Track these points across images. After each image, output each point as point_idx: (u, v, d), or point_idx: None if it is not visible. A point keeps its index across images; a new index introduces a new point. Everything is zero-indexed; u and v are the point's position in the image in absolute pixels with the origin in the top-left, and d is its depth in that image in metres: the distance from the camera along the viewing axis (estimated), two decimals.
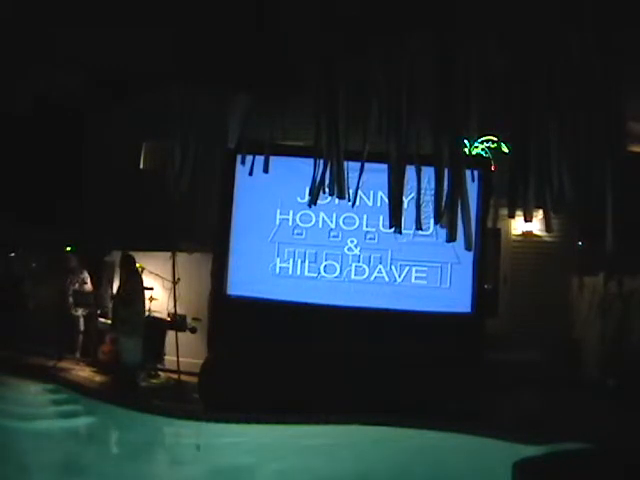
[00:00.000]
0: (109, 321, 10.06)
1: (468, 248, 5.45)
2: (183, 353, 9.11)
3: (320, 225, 8.80)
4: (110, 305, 10.35)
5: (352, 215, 8.64)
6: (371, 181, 6.49)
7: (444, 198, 5.43)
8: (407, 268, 8.68)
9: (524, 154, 5.47)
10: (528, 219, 5.52)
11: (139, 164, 11.22)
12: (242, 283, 8.81)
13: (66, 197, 11.16)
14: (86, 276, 10.82)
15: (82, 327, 10.69)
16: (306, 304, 8.56)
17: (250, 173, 7.19)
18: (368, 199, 8.55)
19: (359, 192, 6.26)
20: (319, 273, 8.76)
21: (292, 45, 7.05)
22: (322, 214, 8.72)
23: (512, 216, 5.81)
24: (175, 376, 9.24)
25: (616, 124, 5.47)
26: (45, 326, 10.69)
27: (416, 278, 8.66)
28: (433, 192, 5.54)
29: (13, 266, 12.14)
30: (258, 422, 7.73)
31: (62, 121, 11.24)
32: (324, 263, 8.76)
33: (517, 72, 5.61)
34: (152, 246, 9.79)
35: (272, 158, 6.87)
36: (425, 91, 5.74)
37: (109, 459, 7.12)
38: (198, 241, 9.80)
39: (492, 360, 8.39)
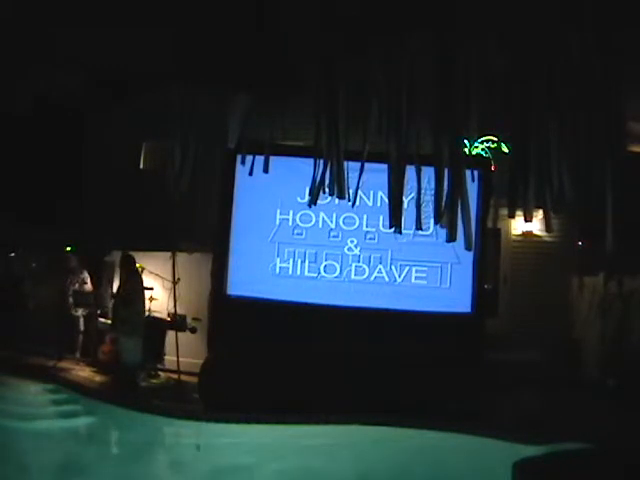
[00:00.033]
0: (109, 321, 10.06)
1: (468, 248, 5.45)
2: (183, 353, 9.11)
3: (320, 225, 8.80)
4: (110, 305, 10.35)
5: (352, 215, 8.64)
6: (371, 181, 6.49)
7: (444, 198, 5.43)
8: (407, 268, 8.68)
9: (524, 154, 5.47)
10: (528, 219, 5.52)
11: (139, 164, 11.22)
12: (242, 283, 8.81)
13: (66, 197, 11.16)
14: (86, 276, 10.82)
15: (82, 327, 10.69)
16: (306, 304, 8.56)
17: (250, 173, 7.19)
18: (368, 199, 8.55)
19: (359, 192, 6.26)
20: (319, 273, 8.76)
21: (292, 45, 7.05)
22: (322, 214, 8.72)
23: (512, 216, 5.81)
24: (175, 376, 9.24)
25: (616, 124, 5.47)
26: (45, 326, 10.69)
27: (416, 278, 8.66)
28: (433, 192, 5.54)
29: (13, 266, 12.14)
30: (258, 422, 7.73)
31: (62, 121, 11.24)
32: (324, 263, 8.76)
33: (517, 72, 5.60)
34: (152, 246, 9.79)
35: (272, 158, 6.87)
36: (425, 91, 5.74)
37: (109, 459, 7.12)
38: (198, 241, 9.80)
39: (492, 360, 8.39)
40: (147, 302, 9.55)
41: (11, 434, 7.03)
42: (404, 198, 5.88)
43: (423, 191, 5.76)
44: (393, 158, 5.78)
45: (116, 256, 10.31)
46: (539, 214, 5.71)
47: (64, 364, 9.89)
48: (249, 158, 7.23)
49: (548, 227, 5.57)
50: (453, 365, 7.98)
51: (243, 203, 8.87)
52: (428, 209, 5.78)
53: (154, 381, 9.56)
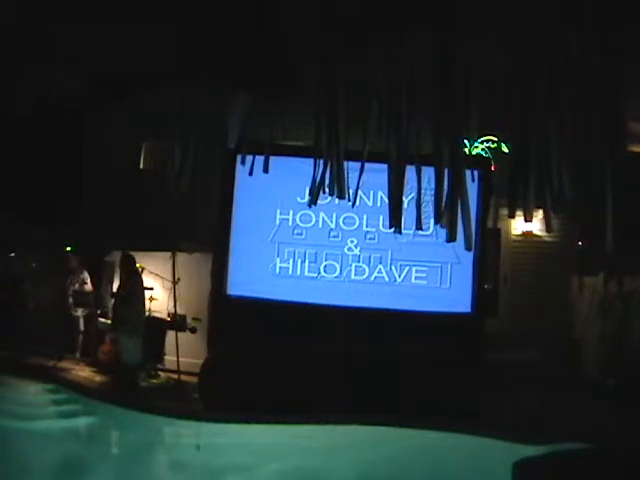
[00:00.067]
0: (109, 321, 10.07)
1: (468, 248, 5.45)
2: (183, 353, 9.11)
3: (320, 225, 8.80)
4: (110, 305, 10.34)
5: (352, 215, 8.64)
6: (371, 181, 6.49)
7: (444, 198, 5.43)
8: (407, 268, 8.68)
9: (524, 154, 5.47)
10: (528, 219, 5.52)
11: (139, 164, 11.22)
12: (242, 283, 8.81)
13: (66, 197, 11.16)
14: (86, 276, 10.82)
15: (82, 327, 10.69)
16: (306, 304, 8.55)
17: (250, 173, 7.18)
18: (368, 199, 8.55)
19: (359, 192, 6.26)
20: (319, 273, 8.76)
21: (292, 45, 7.05)
22: (322, 214, 8.72)
23: (512, 216, 5.81)
24: (175, 376, 9.24)
25: (616, 124, 5.47)
26: (45, 326, 10.70)
27: (416, 278, 8.66)
28: (433, 192, 5.54)
29: (13, 266, 12.15)
30: (258, 422, 7.74)
31: (62, 121, 11.25)
32: (324, 263, 8.76)
33: (517, 72, 5.60)
34: (152, 246, 9.79)
35: (272, 158, 6.87)
36: (425, 91, 5.74)
37: (109, 459, 7.12)
38: (198, 241, 9.80)
39: (492, 360, 8.39)
40: (147, 302, 9.55)
41: (11, 434, 7.04)
42: (404, 198, 5.88)
43: (423, 191, 5.76)
44: (393, 158, 5.78)
45: (116, 256, 10.31)
46: (539, 214, 5.71)
47: (64, 364, 9.89)
48: (249, 158, 7.22)
49: (548, 227, 5.57)
50: (453, 365, 7.98)
51: (243, 203, 8.87)
52: (428, 209, 5.78)
53: (154, 381, 9.56)
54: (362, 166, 6.05)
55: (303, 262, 8.77)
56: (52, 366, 9.70)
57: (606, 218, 5.30)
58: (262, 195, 8.74)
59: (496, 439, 7.15)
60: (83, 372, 9.67)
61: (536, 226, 9.78)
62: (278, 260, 8.79)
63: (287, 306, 8.56)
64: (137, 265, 9.47)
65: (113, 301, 9.90)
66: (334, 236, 8.79)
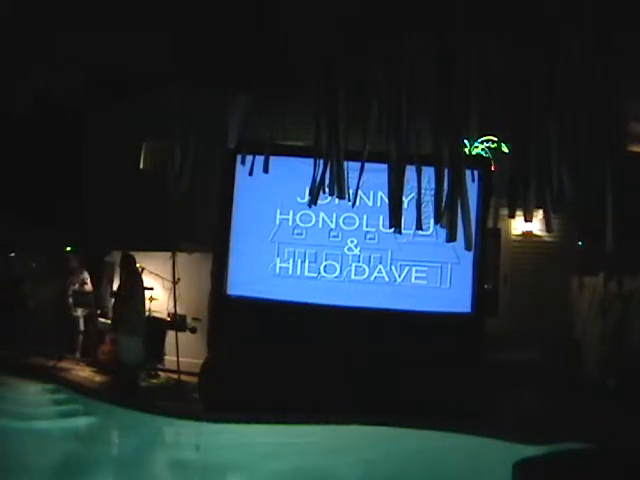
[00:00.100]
0: (109, 321, 10.07)
1: (468, 248, 5.45)
2: (183, 353, 9.11)
3: (320, 225, 8.80)
4: (110, 305, 10.35)
5: (352, 215, 8.64)
6: (371, 181, 6.49)
7: (444, 198, 5.43)
8: (407, 268, 8.67)
9: (524, 154, 5.47)
10: (528, 219, 5.52)
11: (139, 164, 11.22)
12: (242, 283, 8.81)
13: (66, 197, 11.17)
14: (86, 276, 10.82)
15: (82, 327, 10.69)
16: (306, 304, 8.55)
17: (250, 173, 7.19)
18: (368, 199, 8.55)
19: (359, 192, 6.27)
20: (319, 273, 8.76)
21: (292, 45, 7.06)
22: (322, 214, 8.71)
23: (512, 216, 5.82)
24: (175, 376, 9.24)
25: (616, 124, 5.48)
26: (45, 326, 10.70)
27: (416, 278, 8.66)
28: (433, 192, 5.54)
29: (13, 266, 12.15)
30: (258, 422, 7.73)
31: (62, 121, 11.25)
32: (324, 263, 8.76)
33: (517, 72, 5.61)
34: (152, 246, 9.78)
35: (272, 158, 6.87)
36: (425, 91, 5.75)
37: (109, 459, 7.11)
38: (198, 241, 9.80)
39: (492, 360, 8.39)
40: (147, 302, 9.54)
41: (11, 434, 7.03)
42: (404, 198, 5.89)
43: (423, 191, 5.77)
44: (393, 158, 5.78)
45: (116, 256, 10.31)
46: (539, 214, 5.71)
47: (64, 364, 9.89)
48: (249, 158, 7.23)
49: (548, 227, 5.57)
50: (453, 365, 7.98)
51: (243, 203, 8.87)
52: (428, 209, 5.78)
53: (154, 381, 9.56)
54: (362, 166, 6.06)
55: (303, 262, 8.77)
56: (52, 366, 9.70)
57: (606, 218, 5.31)
58: (262, 195, 8.74)
59: (496, 439, 7.15)
60: (83, 372, 9.68)
61: (536, 226, 9.79)
62: (278, 260, 8.79)
63: (287, 306, 8.55)
64: (137, 265, 9.47)
65: (113, 301, 9.90)
66: (334, 236, 8.79)
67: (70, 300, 10.64)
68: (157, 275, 9.83)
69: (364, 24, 6.20)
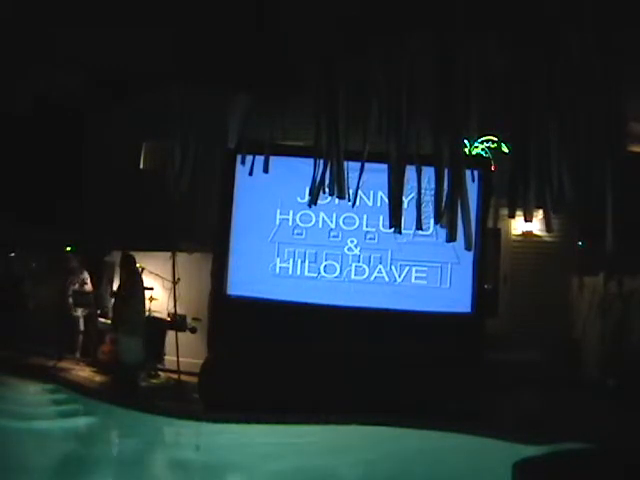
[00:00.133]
0: (109, 321, 10.06)
1: (468, 248, 5.44)
2: (183, 353, 9.11)
3: (320, 225, 8.80)
4: (110, 305, 10.35)
5: (352, 215, 8.64)
6: (371, 181, 6.49)
7: (444, 198, 5.43)
8: (407, 268, 8.67)
9: (524, 154, 5.47)
10: (528, 219, 5.52)
11: (139, 164, 11.22)
12: (242, 283, 8.81)
13: (66, 197, 11.17)
14: (86, 276, 10.82)
15: (82, 327, 10.69)
16: (306, 304, 8.55)
17: (250, 173, 7.19)
18: (368, 199, 8.55)
19: (359, 192, 6.27)
20: (319, 273, 8.76)
21: (292, 45, 7.06)
22: (322, 214, 8.71)
23: (512, 216, 5.82)
24: (175, 376, 9.24)
25: (616, 124, 5.47)
26: (45, 326, 10.70)
27: (416, 278, 8.66)
28: (433, 192, 5.54)
29: (13, 266, 12.15)
30: (258, 422, 7.73)
31: (62, 121, 11.25)
32: (324, 263, 8.76)
33: (517, 72, 5.61)
34: (152, 246, 9.79)
35: (272, 158, 6.87)
36: (425, 91, 5.75)
37: (109, 459, 7.11)
38: (198, 241, 9.80)
39: (492, 360, 8.39)
40: (147, 302, 9.54)
41: (11, 434, 7.03)
42: (404, 198, 5.88)
43: (423, 191, 5.76)
44: (393, 158, 5.78)
45: (116, 256, 10.31)
46: (539, 214, 5.71)
47: (64, 364, 9.89)
48: (249, 158, 7.23)
49: (548, 227, 5.57)
50: (453, 365, 7.98)
51: (243, 203, 8.87)
52: (428, 209, 5.78)
53: (154, 381, 9.56)
54: (362, 166, 6.06)
55: (303, 262, 8.77)
56: (52, 366, 9.70)
57: (606, 218, 5.31)
58: (262, 195, 8.74)
59: (496, 439, 7.15)
60: (83, 372, 9.68)
61: (536, 226, 9.79)
62: (278, 260, 8.79)
63: (287, 306, 8.55)
64: (137, 265, 9.47)
65: (113, 301, 9.90)
66: (334, 236, 8.79)
67: (70, 300, 10.64)
68: (157, 275, 9.83)
69: (364, 24, 6.20)
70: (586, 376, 9.43)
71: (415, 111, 5.74)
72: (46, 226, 10.83)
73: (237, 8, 7.01)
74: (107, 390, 8.84)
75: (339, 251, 8.77)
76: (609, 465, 6.14)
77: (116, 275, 10.51)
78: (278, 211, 8.83)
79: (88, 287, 10.79)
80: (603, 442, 6.63)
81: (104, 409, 8.22)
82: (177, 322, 9.42)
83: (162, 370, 9.79)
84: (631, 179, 5.59)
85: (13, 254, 12.20)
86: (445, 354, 8.04)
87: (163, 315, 9.87)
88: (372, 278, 8.71)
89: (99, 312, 10.67)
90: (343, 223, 8.77)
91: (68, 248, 11.22)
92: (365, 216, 8.71)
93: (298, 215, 8.79)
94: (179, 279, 9.33)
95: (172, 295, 9.34)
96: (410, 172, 5.80)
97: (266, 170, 6.85)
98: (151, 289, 9.80)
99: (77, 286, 10.75)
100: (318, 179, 6.07)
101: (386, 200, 6.05)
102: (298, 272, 8.77)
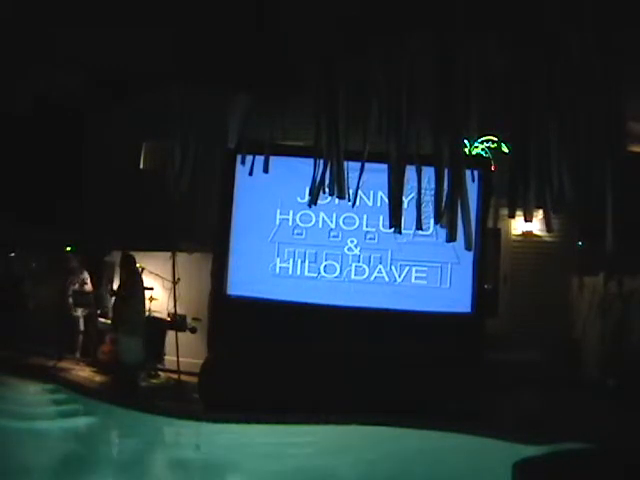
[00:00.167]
0: (109, 321, 10.07)
1: (468, 248, 5.45)
2: (183, 353, 9.11)
3: (320, 225, 8.80)
4: (110, 305, 10.35)
5: (352, 215, 8.64)
6: (371, 181, 6.49)
7: (444, 198, 5.43)
8: (407, 268, 8.67)
9: (524, 154, 5.47)
10: (528, 219, 5.52)
11: (139, 164, 11.22)
12: (242, 283, 8.81)
13: (66, 197, 11.16)
14: (86, 276, 10.82)
15: (82, 327, 10.69)
16: (306, 304, 8.55)
17: (250, 173, 7.20)
18: (368, 199, 8.55)
19: (359, 192, 6.27)
20: (319, 273, 8.76)
21: (292, 45, 7.06)
22: (322, 214, 8.72)
23: (512, 216, 5.81)
24: (175, 376, 9.24)
25: (616, 124, 5.47)
26: (45, 326, 10.70)
27: (416, 278, 8.66)
28: (433, 192, 5.54)
29: (13, 266, 12.15)
30: (258, 422, 7.73)
31: (62, 121, 11.25)
32: (324, 263, 8.76)
33: (517, 72, 5.61)
34: (152, 246, 9.79)
35: (272, 158, 6.88)
36: (425, 91, 5.75)
37: (109, 459, 7.12)
38: (198, 241, 9.80)
39: (492, 360, 8.39)
40: (147, 302, 9.55)
41: (11, 434, 7.03)
42: (404, 198, 5.89)
43: (423, 191, 5.77)
44: (393, 158, 5.78)
45: (116, 256, 10.31)
46: (539, 214, 5.71)
47: (64, 364, 9.89)
48: (249, 158, 7.23)
49: (548, 227, 5.57)
50: (453, 365, 7.98)
51: (243, 203, 8.87)
52: (428, 209, 5.78)
53: (154, 381, 9.56)
54: (362, 166, 6.06)
55: (303, 262, 8.77)
56: (52, 366, 9.70)
57: (606, 218, 5.31)
58: (262, 195, 8.74)
59: (496, 439, 7.15)
60: (83, 372, 9.68)
61: (536, 226, 9.78)
62: (278, 260, 8.79)
63: (287, 306, 8.56)
64: (137, 265, 9.47)
65: (113, 301, 9.90)
66: (334, 236, 8.79)
67: (70, 300, 10.64)
68: (157, 275, 9.83)
69: (364, 24, 6.20)
70: (586, 376, 9.43)
71: (415, 111, 5.74)
72: (46, 226, 10.83)
73: (237, 8, 7.01)
74: (107, 390, 8.84)
75: (339, 251, 8.77)
76: (609, 465, 6.14)
77: (116, 275, 10.51)
78: (278, 211, 8.83)
79: (88, 287, 10.79)
80: (603, 442, 6.63)
81: (104, 409, 8.22)
82: (177, 322, 9.42)
83: (162, 370, 9.79)
84: (631, 179, 5.59)
85: (13, 254, 12.20)
86: (445, 354, 8.04)
87: (163, 315, 9.87)
88: (372, 278, 8.71)
89: (99, 312, 10.67)
90: (343, 223, 8.77)
91: (68, 248, 11.22)
92: (365, 216, 8.71)
93: (298, 215, 8.79)
94: (179, 279, 9.33)
95: (172, 295, 9.34)
96: (410, 172, 5.80)
97: (266, 170, 6.85)
98: (151, 289, 9.80)
99: (77, 286, 10.75)
100: (318, 179, 6.07)
101: (386, 200, 6.05)
102: (298, 272, 8.77)
